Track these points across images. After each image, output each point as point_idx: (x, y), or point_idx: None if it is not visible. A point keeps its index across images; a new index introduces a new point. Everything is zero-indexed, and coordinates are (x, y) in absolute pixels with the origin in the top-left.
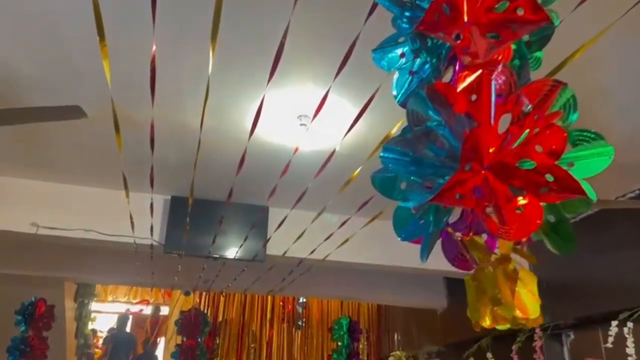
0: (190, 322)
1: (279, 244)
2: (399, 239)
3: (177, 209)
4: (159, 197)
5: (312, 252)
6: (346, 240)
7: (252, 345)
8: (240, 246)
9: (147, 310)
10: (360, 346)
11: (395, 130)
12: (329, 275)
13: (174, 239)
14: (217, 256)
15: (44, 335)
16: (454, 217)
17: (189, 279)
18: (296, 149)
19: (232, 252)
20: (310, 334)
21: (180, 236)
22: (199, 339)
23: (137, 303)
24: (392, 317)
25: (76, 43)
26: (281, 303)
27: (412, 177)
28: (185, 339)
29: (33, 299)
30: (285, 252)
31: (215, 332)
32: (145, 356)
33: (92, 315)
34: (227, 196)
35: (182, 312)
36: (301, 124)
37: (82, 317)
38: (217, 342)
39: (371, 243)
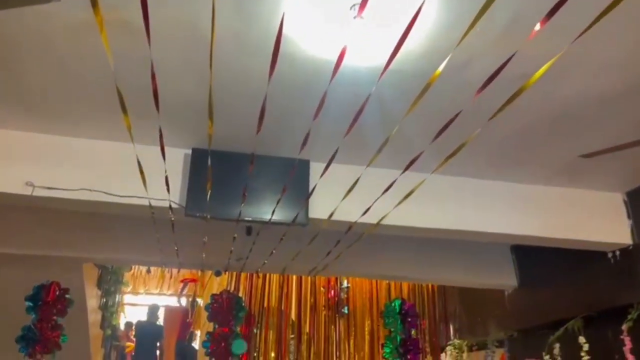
0: (222, 307)
1: (323, 205)
2: None
3: (200, 164)
4: (179, 151)
5: (365, 212)
6: (409, 194)
7: (292, 336)
8: (278, 201)
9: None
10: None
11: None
12: (379, 252)
13: (196, 200)
14: (250, 219)
15: (59, 323)
16: None
17: (219, 256)
18: (344, 49)
19: (266, 214)
20: (355, 322)
21: (204, 197)
22: (234, 326)
23: (182, 280)
24: (449, 301)
25: None
26: (322, 289)
27: None
28: (217, 326)
29: (45, 282)
30: (331, 214)
31: (252, 321)
32: (182, 348)
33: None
34: (259, 118)
35: (213, 296)
36: (355, 17)
37: (109, 306)
38: (255, 331)
39: (435, 203)
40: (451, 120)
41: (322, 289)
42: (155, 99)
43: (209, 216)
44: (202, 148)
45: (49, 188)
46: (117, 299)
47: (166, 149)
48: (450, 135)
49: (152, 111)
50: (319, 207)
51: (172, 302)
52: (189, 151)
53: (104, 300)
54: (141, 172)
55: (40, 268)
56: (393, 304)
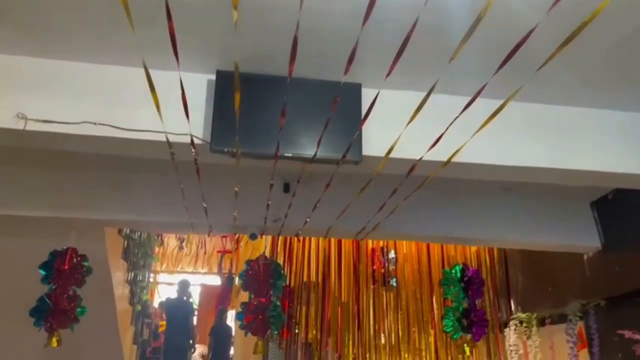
0: (258, 275)
1: (379, 141)
2: None
3: (227, 89)
4: (201, 77)
5: (434, 145)
6: (494, 115)
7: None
8: (326, 125)
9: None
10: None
11: None
12: (438, 209)
13: (223, 133)
14: (289, 155)
15: (76, 294)
16: None
17: (254, 217)
18: None
19: (309, 149)
20: (406, 295)
21: (232, 128)
22: (272, 296)
23: (219, 251)
24: (511, 271)
25: None
26: (365, 260)
27: None
28: (253, 296)
29: (61, 249)
30: (391, 149)
31: (292, 294)
32: (217, 328)
33: (151, 281)
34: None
35: (248, 262)
36: None
37: (138, 281)
38: (294, 306)
39: (518, 136)
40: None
41: (365, 260)
42: None
43: (239, 152)
44: (228, 70)
45: (44, 121)
46: (147, 274)
47: (186, 75)
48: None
49: (164, 22)
50: (374, 143)
51: (208, 280)
52: (213, 76)
53: (132, 274)
54: (151, 87)
55: (57, 233)
56: (453, 270)
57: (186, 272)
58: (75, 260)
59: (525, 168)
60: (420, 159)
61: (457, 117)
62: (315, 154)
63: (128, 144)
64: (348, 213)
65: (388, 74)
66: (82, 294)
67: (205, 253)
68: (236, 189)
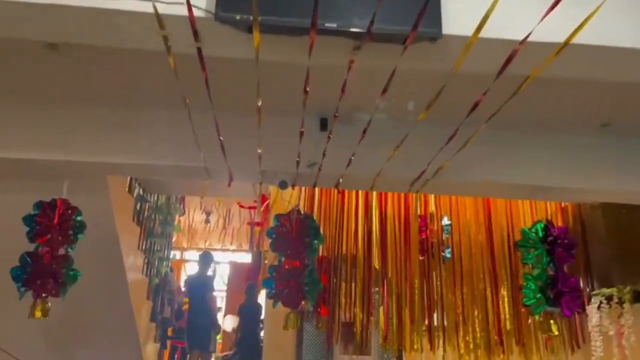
0: (290, 232)
1: (464, 15)
2: None
3: None
4: None
5: (546, 14)
6: None
7: (376, 289)
8: None
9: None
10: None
11: None
12: (514, 150)
13: None
14: (333, 27)
15: (67, 254)
16: None
17: (283, 160)
18: None
19: (362, 18)
20: (461, 268)
21: None
22: (306, 259)
23: (249, 207)
24: (590, 237)
25: None
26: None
27: None
28: (283, 258)
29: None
30: (483, 21)
31: (329, 267)
32: (246, 307)
33: (174, 255)
34: None
35: (277, 217)
36: None
37: (155, 250)
38: (335, 281)
39: None
40: None
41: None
42: None
43: (258, 18)
44: None
45: None
46: (167, 245)
47: None
48: None
49: None
50: (457, 17)
51: (237, 257)
52: None
53: (147, 242)
54: None
55: (49, 184)
56: (534, 229)
57: (214, 249)
58: (65, 214)
59: None
60: (526, 38)
61: None
62: (371, 24)
63: (99, 19)
64: (401, 156)
65: None
66: (84, 258)
67: (230, 224)
68: (259, 103)
